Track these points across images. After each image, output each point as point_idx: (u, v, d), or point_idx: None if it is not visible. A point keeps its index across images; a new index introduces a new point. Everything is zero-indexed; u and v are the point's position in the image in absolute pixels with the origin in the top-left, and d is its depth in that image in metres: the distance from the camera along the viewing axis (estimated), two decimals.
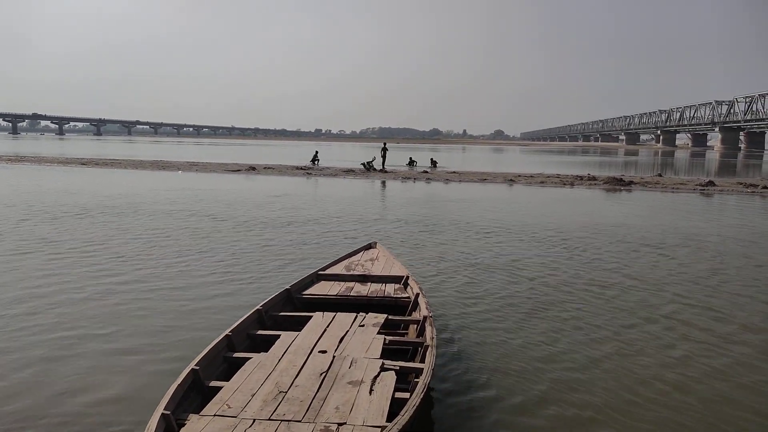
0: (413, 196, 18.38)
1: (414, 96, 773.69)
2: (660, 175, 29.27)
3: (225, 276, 7.41)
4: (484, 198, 17.96)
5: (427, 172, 28.50)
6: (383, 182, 23.96)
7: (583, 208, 15.85)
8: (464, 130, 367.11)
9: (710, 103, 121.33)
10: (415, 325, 4.88)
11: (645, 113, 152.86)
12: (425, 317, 4.69)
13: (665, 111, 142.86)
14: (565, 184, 23.72)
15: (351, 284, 5.79)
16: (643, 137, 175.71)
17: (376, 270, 6.16)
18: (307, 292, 5.56)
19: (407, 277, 5.86)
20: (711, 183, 23.80)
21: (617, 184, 23.45)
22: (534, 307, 6.37)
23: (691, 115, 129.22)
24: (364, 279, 5.92)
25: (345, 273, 6.05)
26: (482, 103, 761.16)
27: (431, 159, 35.94)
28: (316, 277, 5.95)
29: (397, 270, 6.16)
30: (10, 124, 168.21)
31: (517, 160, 55.70)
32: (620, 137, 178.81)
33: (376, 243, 7.23)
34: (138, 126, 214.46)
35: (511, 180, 24.68)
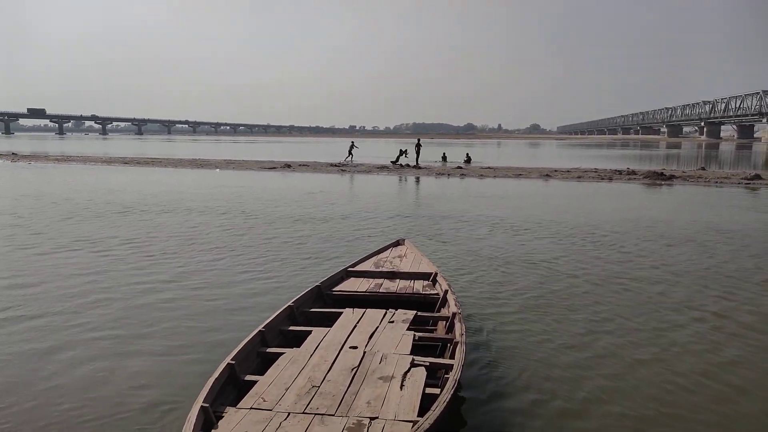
0: (446, 192, 18.31)
1: (448, 91, 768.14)
2: (703, 169, 28.30)
3: (261, 273, 7.54)
4: (518, 194, 17.76)
5: (461, 167, 28.32)
6: (417, 178, 23.93)
7: (622, 203, 15.51)
8: (499, 125, 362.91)
9: (757, 93, 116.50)
10: (444, 322, 4.89)
11: (688, 104, 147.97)
12: (454, 314, 4.69)
13: (709, 102, 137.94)
14: (602, 178, 23.23)
15: (380, 281, 5.82)
16: (686, 129, 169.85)
17: (405, 267, 6.19)
18: (337, 288, 5.61)
19: (436, 274, 5.87)
20: (757, 176, 22.91)
21: (658, 178, 22.84)
22: (570, 306, 6.25)
23: (737, 105, 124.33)
24: (393, 276, 5.95)
25: (374, 270, 6.09)
26: (517, 97, 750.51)
27: (466, 154, 35.70)
28: (345, 274, 6.01)
29: (426, 267, 6.17)
30: (57, 125, 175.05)
31: (553, 155, 54.76)
32: (662, 130, 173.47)
33: (404, 240, 7.26)
34: (178, 125, 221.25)
35: (546, 175, 24.33)
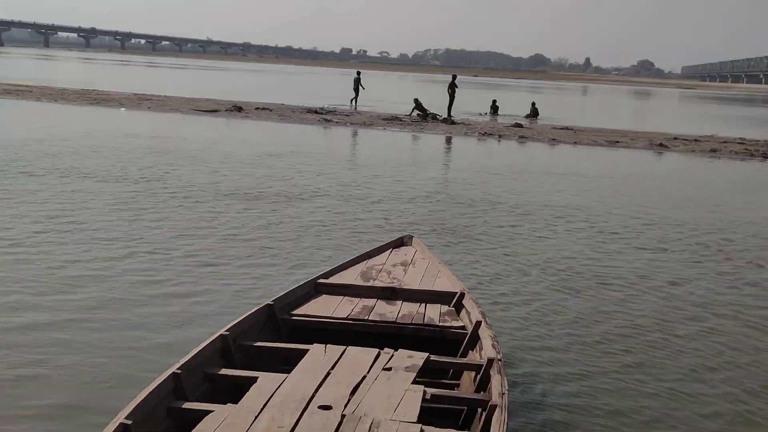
0: (492, 163, 18.30)
1: (508, 5, 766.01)
2: None
3: (180, 287, 7.57)
4: (611, 173, 17.75)
5: (520, 125, 28.35)
6: (448, 139, 24.00)
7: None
8: (587, 59, 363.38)
9: None
10: (473, 373, 4.91)
11: None
12: (490, 360, 4.69)
13: None
14: (753, 154, 23.22)
15: (370, 302, 5.87)
16: None
17: (412, 280, 6.27)
18: (300, 311, 5.67)
19: (462, 295, 5.91)
20: None
21: None
22: (693, 375, 6.19)
23: None
24: (391, 294, 6.00)
25: (361, 284, 6.14)
26: (617, 16, 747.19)
27: (531, 104, 35.73)
28: (315, 288, 6.04)
29: (446, 282, 6.24)
30: None
31: (673, 112, 54.70)
32: None
33: (411, 237, 7.37)
34: (134, 40, 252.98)
35: (660, 144, 24.35)
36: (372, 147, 20.48)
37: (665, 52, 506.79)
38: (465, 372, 5.00)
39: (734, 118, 47.84)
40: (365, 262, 6.71)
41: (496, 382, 4.41)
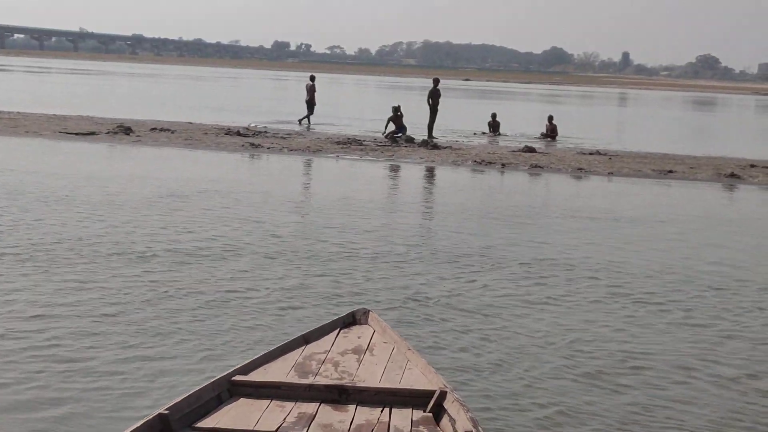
0: (491, 204, 18.35)
1: None
2: None
3: (32, 390, 7.51)
4: (660, 217, 17.84)
5: (532, 149, 28.54)
6: (429, 170, 24.15)
7: None
8: (624, 55, 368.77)
9: None
10: None
11: None
12: None
13: None
14: None
15: (310, 407, 5.85)
16: None
17: (369, 375, 6.29)
18: (207, 423, 5.61)
19: (442, 394, 5.89)
20: None
21: None
22: None
23: None
24: (340, 395, 5.99)
25: (296, 381, 6.12)
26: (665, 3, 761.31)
27: (548, 119, 36.11)
28: (227, 390, 6.02)
29: (418, 376, 6.26)
30: None
31: (748, 128, 55.43)
32: None
33: (367, 313, 7.45)
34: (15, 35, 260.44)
35: (732, 175, 24.57)
36: (320, 183, 20.46)
37: (735, 46, 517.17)
38: None
39: None
40: (301, 349, 6.68)
41: None
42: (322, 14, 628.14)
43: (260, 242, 13.24)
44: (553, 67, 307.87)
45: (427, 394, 5.88)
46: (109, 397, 7.33)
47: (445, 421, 5.64)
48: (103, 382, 7.64)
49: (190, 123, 32.32)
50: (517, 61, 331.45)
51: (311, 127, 34.75)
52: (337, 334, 7.00)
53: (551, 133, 35.08)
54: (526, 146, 29.28)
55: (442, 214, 17.46)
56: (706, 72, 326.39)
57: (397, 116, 31.20)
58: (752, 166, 26.45)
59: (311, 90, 36.12)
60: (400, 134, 30.54)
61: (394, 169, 24.33)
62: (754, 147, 34.23)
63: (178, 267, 11.56)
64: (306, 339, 6.83)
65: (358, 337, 6.95)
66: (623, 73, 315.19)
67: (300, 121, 35.85)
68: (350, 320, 7.25)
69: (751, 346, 9.44)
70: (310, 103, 35.95)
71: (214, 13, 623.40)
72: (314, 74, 39.37)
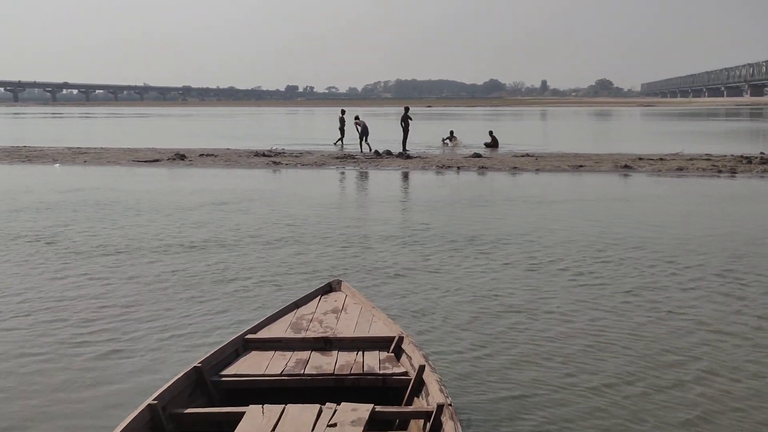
0: (452, 196, 18.36)
1: (456, 29, 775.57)
2: None
3: (104, 346, 7.52)
4: (575, 200, 17.89)
5: (479, 155, 28.53)
6: (405, 174, 24.06)
7: (755, 217, 15.70)
8: (543, 82, 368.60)
9: None
10: (422, 421, 4.89)
11: None
12: (440, 406, 4.69)
13: None
14: (721, 171, 23.58)
15: (304, 354, 5.87)
16: None
17: (346, 328, 6.29)
18: (230, 371, 5.62)
19: (401, 339, 5.95)
20: None
21: None
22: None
23: None
24: (326, 344, 6.02)
25: (292, 336, 6.14)
26: (572, 37, 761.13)
27: (490, 133, 36.04)
28: (243, 346, 6.01)
29: (382, 326, 6.29)
30: None
31: (636, 132, 55.55)
32: None
33: (340, 282, 7.43)
34: (66, 90, 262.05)
35: (625, 166, 24.62)
36: (324, 187, 20.41)
37: (623, 71, 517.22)
38: (412, 421, 4.99)
39: (699, 133, 48.73)
40: (293, 312, 6.70)
41: (449, 429, 4.42)
42: (321, 63, 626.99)
43: (279, 234, 13.20)
44: (491, 93, 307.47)
45: (389, 339, 5.97)
46: (153, 348, 7.40)
47: (403, 358, 5.73)
48: (147, 340, 7.70)
49: (228, 149, 32.19)
50: (464, 91, 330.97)
51: (343, 147, 33.88)
52: (320, 300, 7.02)
53: (493, 143, 34.94)
54: (475, 153, 29.18)
55: (413, 203, 17.42)
56: (603, 91, 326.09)
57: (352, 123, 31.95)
58: (640, 158, 26.39)
59: (342, 121, 35.49)
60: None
61: (379, 174, 24.23)
62: (641, 145, 34.17)
63: (204, 259, 11.54)
64: (296, 304, 6.86)
65: (335, 301, 6.97)
66: (543, 95, 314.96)
67: (335, 143, 35.23)
68: (328, 288, 7.27)
69: (615, 293, 9.46)
70: (342, 130, 35.25)
71: (243, 65, 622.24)
72: (344, 108, 38.80)
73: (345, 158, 28.19)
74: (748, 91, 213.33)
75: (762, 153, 27.17)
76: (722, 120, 77.78)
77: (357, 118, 33.43)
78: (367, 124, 32.81)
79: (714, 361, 7.04)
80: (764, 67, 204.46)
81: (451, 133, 36.79)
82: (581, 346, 7.43)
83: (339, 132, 35.33)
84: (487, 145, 34.57)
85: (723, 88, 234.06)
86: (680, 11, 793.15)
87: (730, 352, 7.28)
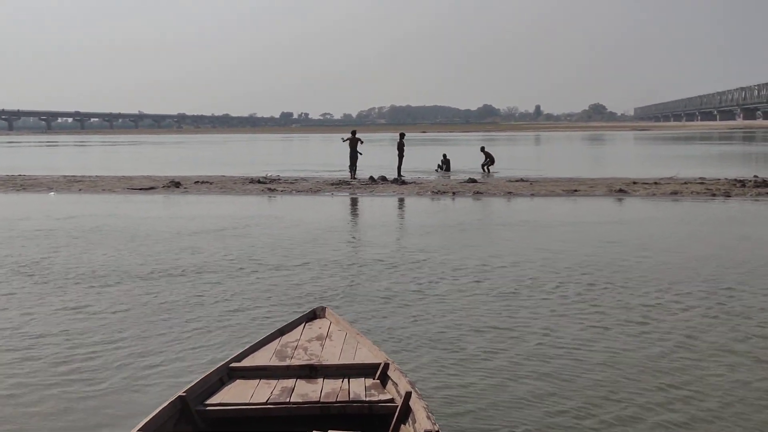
0: (446, 221, 18.36)
1: (450, 55, 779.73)
2: None
3: (80, 381, 7.45)
4: (570, 222, 17.95)
5: (474, 180, 28.57)
6: (400, 200, 24.07)
7: (744, 240, 15.69)
8: (537, 107, 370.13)
9: None
10: None
11: None
12: None
13: None
14: (715, 194, 23.64)
15: (289, 382, 5.85)
16: None
17: (331, 355, 6.28)
18: (214, 400, 5.58)
19: (386, 366, 5.91)
20: None
21: None
22: None
23: None
24: (311, 372, 6.00)
25: (277, 364, 6.13)
26: (566, 62, 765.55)
27: (481, 149, 36.28)
28: (227, 374, 5.99)
29: (367, 353, 6.28)
30: None
31: (630, 155, 55.68)
32: None
33: (324, 309, 7.43)
34: (60, 119, 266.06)
35: (620, 190, 24.65)
36: (318, 214, 20.38)
37: (617, 95, 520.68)
38: None
39: (692, 157, 48.86)
40: (278, 339, 6.69)
41: None
42: (316, 90, 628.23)
43: (272, 262, 13.21)
44: (486, 119, 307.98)
45: (375, 366, 5.96)
46: (135, 379, 7.33)
47: (390, 385, 5.72)
48: (130, 371, 7.65)
49: (224, 175, 32.14)
50: (459, 116, 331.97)
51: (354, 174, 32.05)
52: (304, 327, 7.02)
53: (488, 166, 35.21)
54: (470, 178, 29.21)
55: (407, 229, 17.45)
56: (597, 116, 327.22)
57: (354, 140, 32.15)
58: (634, 182, 26.45)
59: (354, 148, 32.90)
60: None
61: (374, 200, 24.26)
62: (634, 168, 34.29)
63: (234, 273, 11.52)
64: (281, 332, 6.86)
65: (320, 328, 6.97)
66: (536, 120, 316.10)
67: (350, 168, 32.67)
68: (312, 315, 7.28)
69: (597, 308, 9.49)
70: (353, 157, 32.85)
71: (237, 93, 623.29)
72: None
73: (340, 184, 28.20)
74: (741, 115, 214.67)
75: (755, 176, 27.26)
76: (715, 143, 78.11)
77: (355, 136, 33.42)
78: (359, 150, 32.81)
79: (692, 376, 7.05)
80: (756, 91, 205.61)
81: (444, 156, 36.91)
82: (581, 376, 7.42)
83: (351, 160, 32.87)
84: (484, 163, 35.06)
85: (716, 112, 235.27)
86: (673, 36, 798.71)
87: (707, 370, 7.30)
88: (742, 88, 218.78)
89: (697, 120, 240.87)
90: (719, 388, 6.96)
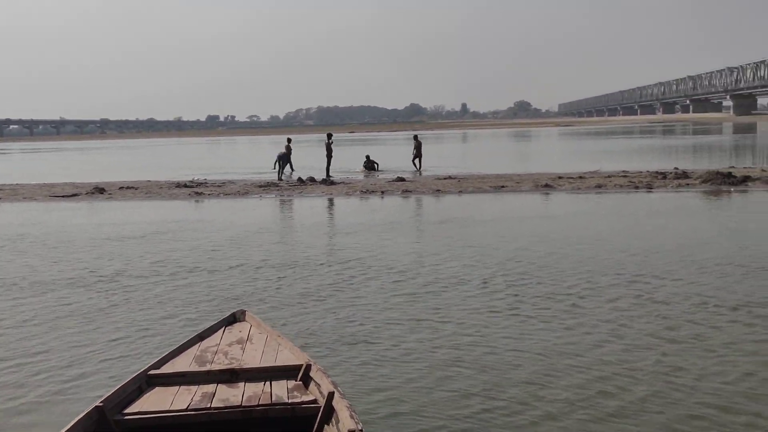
0: (376, 220, 18.36)
1: (376, 56, 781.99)
2: None
3: None
4: (498, 218, 18.11)
5: (403, 179, 28.63)
6: (329, 200, 23.99)
7: (666, 229, 16.04)
8: (463, 105, 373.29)
9: None
10: None
11: (763, 61, 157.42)
12: None
13: None
14: (638, 186, 24.13)
15: (210, 388, 5.77)
16: (762, 102, 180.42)
17: (252, 358, 6.23)
18: (133, 409, 5.46)
19: (308, 366, 5.90)
20: None
21: (724, 181, 24.00)
22: None
23: None
24: (232, 376, 5.94)
25: (197, 369, 6.04)
26: (490, 60, 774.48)
27: (414, 138, 36.62)
28: (146, 381, 5.87)
29: (288, 355, 6.25)
30: None
31: (555, 151, 56.60)
32: (723, 103, 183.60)
33: (244, 312, 7.36)
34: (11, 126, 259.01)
35: (546, 185, 25.00)
36: (246, 216, 20.17)
37: (541, 92, 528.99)
38: None
39: (615, 151, 49.87)
40: (198, 345, 6.61)
41: None
42: (242, 92, 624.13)
43: (197, 264, 13.04)
44: (413, 117, 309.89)
45: (297, 368, 5.93)
46: (49, 389, 7.15)
47: (312, 386, 5.70)
48: (44, 381, 7.45)
49: (149, 180, 31.64)
50: (386, 116, 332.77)
51: (289, 176, 32.47)
52: (224, 331, 6.94)
53: (417, 148, 36.07)
54: (398, 177, 29.29)
55: (336, 228, 17.42)
56: (522, 113, 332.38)
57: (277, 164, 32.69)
58: (560, 177, 26.86)
59: (285, 154, 33.82)
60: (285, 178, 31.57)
61: (303, 201, 24.11)
62: (560, 164, 34.85)
63: (163, 278, 11.28)
64: (201, 337, 6.77)
65: (240, 332, 6.91)
66: (463, 118, 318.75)
67: (280, 174, 32.93)
68: (232, 319, 7.21)
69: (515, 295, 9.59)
70: (287, 158, 33.65)
71: (161, 96, 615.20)
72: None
73: (268, 186, 28.00)
74: (661, 109, 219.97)
75: (676, 168, 27.95)
76: (637, 137, 79.92)
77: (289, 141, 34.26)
78: (286, 152, 33.14)
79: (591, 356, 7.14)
80: (674, 86, 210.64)
81: (367, 157, 36.99)
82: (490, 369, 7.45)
83: (278, 163, 33.47)
84: (414, 157, 36.08)
85: (637, 107, 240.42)
86: (593, 34, 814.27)
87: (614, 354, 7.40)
88: (661, 83, 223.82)
89: (619, 115, 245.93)
90: (648, 376, 7.06)
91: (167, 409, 5.40)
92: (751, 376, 6.97)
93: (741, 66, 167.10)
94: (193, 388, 5.75)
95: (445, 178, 28.73)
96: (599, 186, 24.55)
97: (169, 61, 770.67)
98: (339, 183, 28.50)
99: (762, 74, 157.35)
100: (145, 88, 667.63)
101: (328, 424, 5.16)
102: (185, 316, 9.69)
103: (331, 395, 5.28)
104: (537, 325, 8.77)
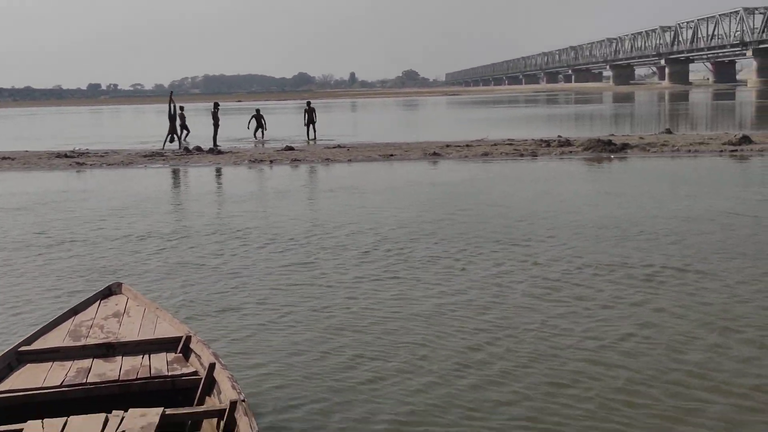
0: (266, 189, 18.21)
1: (265, 27, 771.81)
2: (669, 131, 31.25)
3: None
4: (387, 187, 18.19)
5: (292, 148, 28.42)
6: (218, 170, 23.67)
7: (549, 195, 16.44)
8: (352, 74, 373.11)
9: (737, 12, 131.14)
10: (215, 420, 4.82)
11: (640, 33, 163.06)
12: (233, 403, 4.63)
13: (670, 28, 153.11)
14: (523, 154, 24.62)
15: (85, 363, 5.62)
16: (639, 72, 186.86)
17: (129, 332, 6.09)
18: (2, 387, 5.26)
19: (188, 338, 5.84)
20: (746, 139, 25.66)
21: (604, 149, 24.73)
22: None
23: (710, 33, 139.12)
24: (108, 350, 5.80)
25: (71, 344, 5.86)
26: (378, 30, 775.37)
27: (307, 103, 36.49)
28: (16, 358, 5.66)
29: (168, 327, 6.15)
30: None
31: (443, 119, 57.23)
32: (604, 73, 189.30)
33: (121, 285, 7.17)
34: None
35: (434, 153, 25.23)
36: (130, 186, 19.66)
37: (428, 62, 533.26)
38: (206, 420, 4.89)
39: (501, 120, 50.83)
40: (71, 319, 6.39)
41: (244, 425, 4.41)
42: (125, 58, 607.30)
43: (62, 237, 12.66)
44: (301, 87, 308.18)
45: (176, 340, 5.84)
46: None
47: (192, 358, 5.64)
48: None
49: (27, 151, 30.40)
50: (274, 85, 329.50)
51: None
52: (99, 304, 6.73)
53: (309, 113, 35.83)
54: (287, 146, 29.04)
55: (224, 198, 17.16)
56: (410, 82, 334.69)
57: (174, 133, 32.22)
58: (447, 146, 27.12)
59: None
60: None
61: (189, 170, 23.72)
62: (447, 132, 35.25)
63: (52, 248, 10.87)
64: (74, 311, 6.55)
65: (116, 305, 6.71)
66: (351, 87, 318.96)
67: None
68: (108, 292, 6.98)
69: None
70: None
71: (39, 63, 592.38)
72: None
73: (153, 156, 27.33)
74: (545, 79, 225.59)
75: (559, 136, 28.57)
76: (522, 106, 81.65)
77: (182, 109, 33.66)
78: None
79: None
80: (557, 56, 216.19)
81: (257, 111, 36.73)
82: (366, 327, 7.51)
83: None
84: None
85: (521, 77, 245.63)
86: (479, 4, 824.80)
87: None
88: (544, 53, 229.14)
89: (505, 84, 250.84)
90: (532, 337, 7.22)
91: (40, 386, 5.20)
92: (631, 336, 7.20)
93: (620, 37, 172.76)
94: (68, 363, 5.57)
95: (334, 147, 28.66)
96: (486, 154, 24.92)
97: (48, 25, 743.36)
98: (227, 152, 28.02)
99: (639, 45, 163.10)
100: (22, 56, 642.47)
101: (210, 396, 5.11)
102: (62, 290, 9.37)
103: (212, 366, 5.22)
104: (426, 291, 8.84)
